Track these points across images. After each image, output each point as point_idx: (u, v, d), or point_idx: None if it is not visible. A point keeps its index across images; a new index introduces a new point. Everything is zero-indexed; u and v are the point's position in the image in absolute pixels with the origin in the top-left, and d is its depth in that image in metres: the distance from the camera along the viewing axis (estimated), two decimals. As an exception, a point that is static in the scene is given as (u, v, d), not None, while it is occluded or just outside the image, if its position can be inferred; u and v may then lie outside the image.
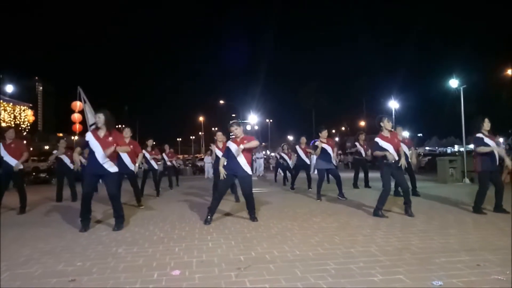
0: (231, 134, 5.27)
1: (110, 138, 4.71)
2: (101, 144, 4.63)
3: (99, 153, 4.61)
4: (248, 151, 5.17)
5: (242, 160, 5.08)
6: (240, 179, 5.17)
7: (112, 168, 4.71)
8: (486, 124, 5.32)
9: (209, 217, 5.02)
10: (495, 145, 5.30)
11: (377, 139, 5.31)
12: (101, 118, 4.71)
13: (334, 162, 7.50)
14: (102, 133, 4.73)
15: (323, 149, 7.41)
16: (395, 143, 5.26)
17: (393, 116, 27.09)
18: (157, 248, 3.70)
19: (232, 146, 5.13)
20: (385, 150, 5.18)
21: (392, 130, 5.45)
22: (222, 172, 5.09)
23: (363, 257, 3.22)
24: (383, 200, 5.28)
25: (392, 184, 5.89)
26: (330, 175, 8.68)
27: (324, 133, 7.50)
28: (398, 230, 4.33)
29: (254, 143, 5.10)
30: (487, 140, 5.31)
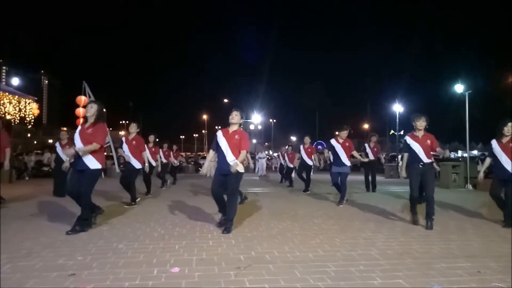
0: (231, 118, 4.54)
1: (90, 130, 4.26)
2: (80, 136, 4.26)
3: (76, 145, 4.25)
4: (237, 150, 4.45)
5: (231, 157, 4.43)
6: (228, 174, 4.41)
7: (91, 163, 4.19)
8: (507, 129, 5.00)
9: (222, 218, 4.65)
10: (503, 154, 4.94)
11: (407, 137, 5.08)
12: (92, 108, 4.28)
13: (347, 163, 6.94)
14: (87, 124, 4.30)
15: (334, 152, 6.99)
16: (425, 144, 4.88)
17: (397, 120, 26.99)
18: (158, 245, 3.71)
19: (222, 140, 4.47)
20: (411, 149, 4.93)
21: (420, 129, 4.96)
22: (206, 169, 4.73)
23: (363, 260, 3.22)
24: (412, 206, 5.04)
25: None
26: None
27: (343, 133, 6.98)
28: (399, 234, 4.32)
29: (244, 154, 4.45)
30: (494, 145, 5.10)
